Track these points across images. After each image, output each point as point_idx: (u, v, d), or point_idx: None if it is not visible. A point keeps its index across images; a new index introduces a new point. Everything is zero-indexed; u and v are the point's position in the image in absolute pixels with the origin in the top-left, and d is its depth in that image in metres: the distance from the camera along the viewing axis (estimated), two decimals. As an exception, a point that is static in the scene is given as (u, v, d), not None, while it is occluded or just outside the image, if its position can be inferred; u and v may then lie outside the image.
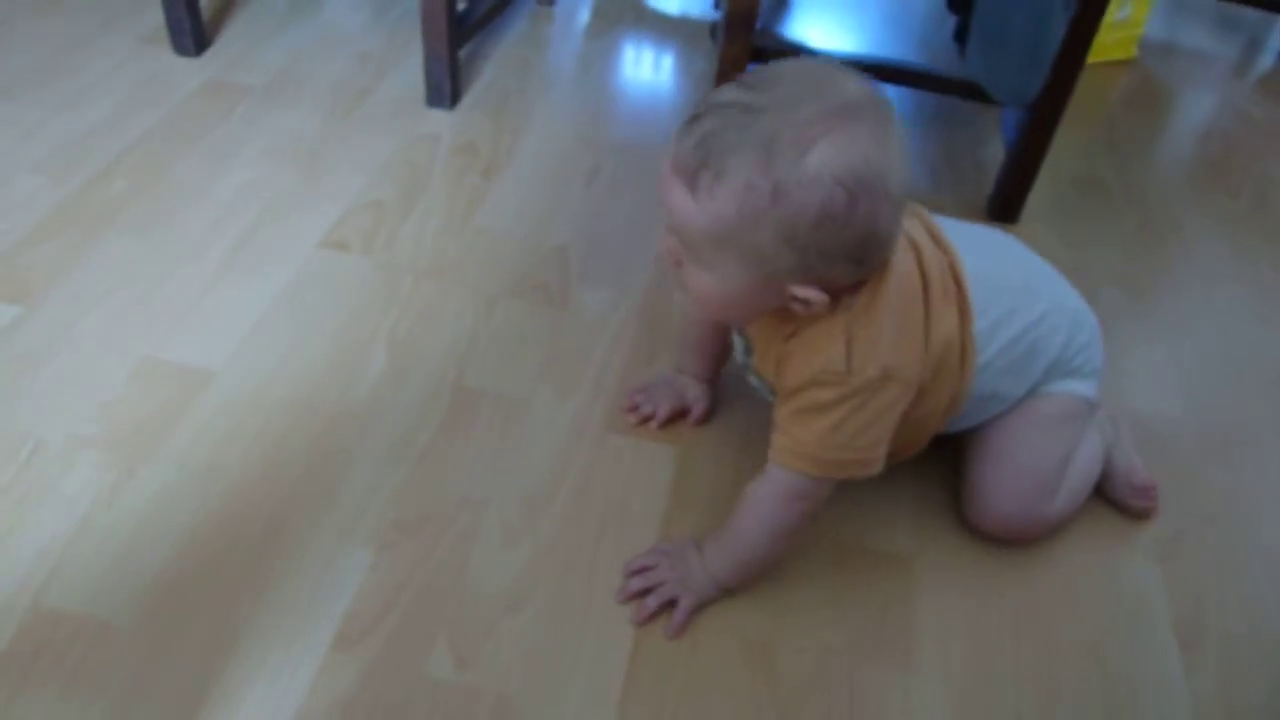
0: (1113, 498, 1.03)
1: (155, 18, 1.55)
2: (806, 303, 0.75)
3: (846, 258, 0.73)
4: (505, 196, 1.34)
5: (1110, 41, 1.88)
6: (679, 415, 1.06)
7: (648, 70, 1.72)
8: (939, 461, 1.04)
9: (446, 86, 1.47)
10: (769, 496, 0.85)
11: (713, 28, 1.78)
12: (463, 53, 1.54)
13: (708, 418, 1.05)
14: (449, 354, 1.09)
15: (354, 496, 0.94)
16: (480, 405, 1.04)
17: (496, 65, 1.63)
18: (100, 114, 1.40)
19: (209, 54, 1.56)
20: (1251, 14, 2.19)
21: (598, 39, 1.77)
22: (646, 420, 1.05)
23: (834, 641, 0.88)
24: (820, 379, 0.78)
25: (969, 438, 0.96)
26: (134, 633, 0.81)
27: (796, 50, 1.55)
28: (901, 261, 0.81)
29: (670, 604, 0.87)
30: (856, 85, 0.71)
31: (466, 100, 1.53)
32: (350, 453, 0.98)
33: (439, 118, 1.48)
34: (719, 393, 1.07)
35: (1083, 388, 0.95)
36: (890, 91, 1.64)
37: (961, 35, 1.77)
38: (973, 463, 0.96)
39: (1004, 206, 1.41)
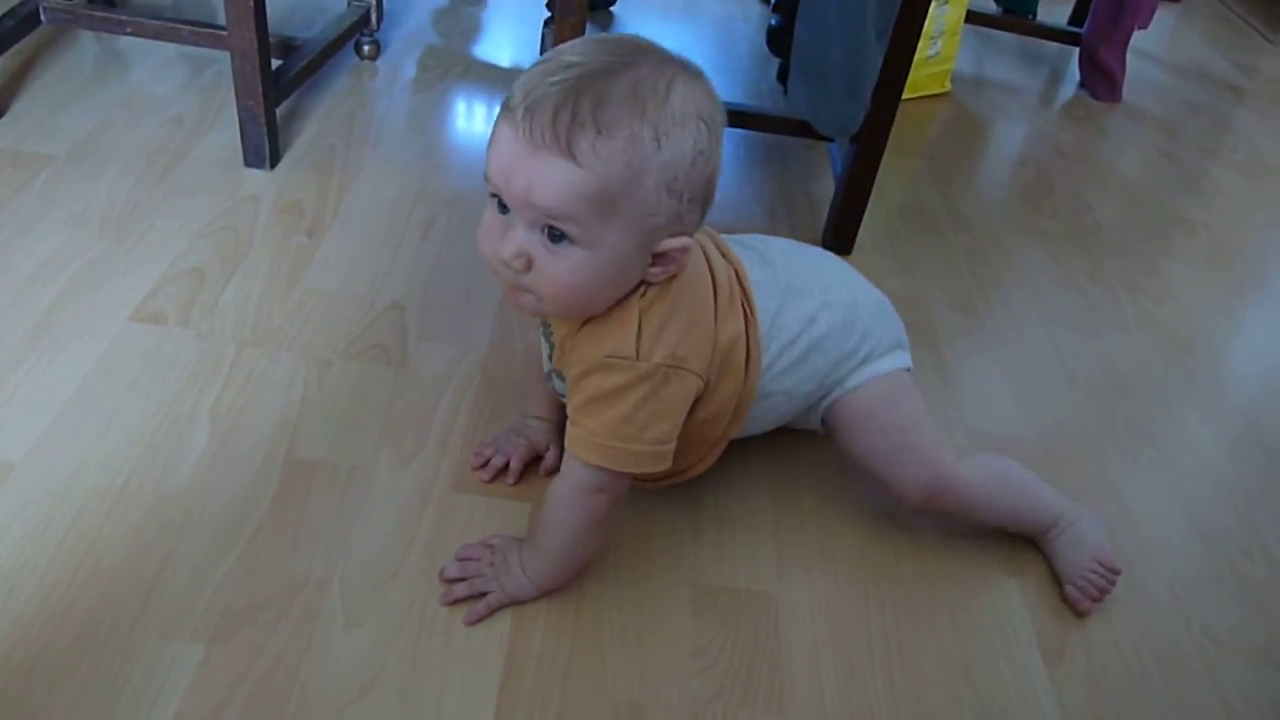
0: (1069, 572, 0.97)
1: (-62, 87, 1.44)
2: (670, 259, 0.77)
3: (702, 201, 0.77)
4: (334, 255, 1.28)
5: (924, 77, 1.96)
6: (533, 462, 1.02)
7: (479, 121, 1.69)
8: (797, 495, 1.03)
9: (265, 146, 1.41)
10: (566, 491, 0.85)
11: (542, 76, 1.77)
12: (280, 110, 1.48)
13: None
14: (279, 425, 1.02)
15: (179, 587, 0.86)
16: (315, 476, 0.98)
17: (318, 122, 1.57)
18: (-125, 192, 1.28)
19: (3, 123, 1.45)
20: (1051, 47, 2.33)
21: (425, 92, 1.73)
22: (499, 474, 1.00)
23: (704, 692, 0.85)
24: (608, 363, 0.79)
25: (846, 458, 1.00)
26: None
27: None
28: (693, 261, 0.83)
29: (481, 595, 0.88)
30: (660, 46, 0.75)
31: (288, 159, 1.47)
32: (173, 540, 0.90)
33: (259, 178, 1.41)
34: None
35: (883, 366, 0.97)
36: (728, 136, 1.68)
37: (784, 76, 1.81)
38: (864, 462, 0.98)
39: (838, 237, 1.43)
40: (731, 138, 1.69)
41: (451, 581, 0.89)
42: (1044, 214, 1.67)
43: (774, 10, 1.77)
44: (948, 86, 2.04)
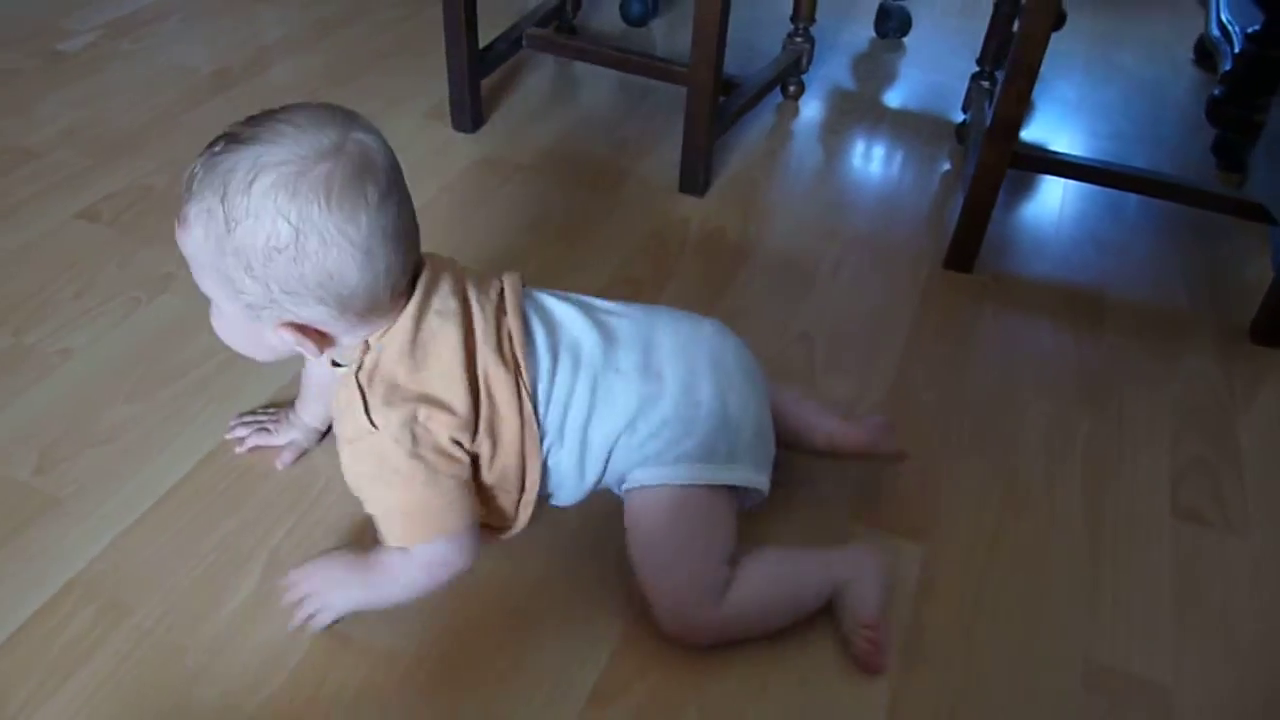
0: (841, 632, 0.91)
1: (437, 95, 1.70)
2: (300, 338, 0.78)
3: (315, 299, 0.75)
4: (752, 281, 1.39)
5: (1387, 163, 1.78)
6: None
7: (890, 167, 1.74)
8: (1201, 587, 0.99)
9: (700, 174, 1.54)
10: (408, 568, 0.83)
11: (959, 129, 1.79)
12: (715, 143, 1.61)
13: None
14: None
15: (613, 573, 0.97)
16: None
17: (744, 155, 1.69)
18: (388, 181, 1.53)
19: (483, 131, 1.69)
20: None
21: (841, 134, 1.81)
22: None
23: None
24: (354, 445, 0.79)
25: None
26: (415, 659, 0.88)
27: (1051, 159, 1.54)
28: (438, 311, 0.80)
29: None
30: (354, 135, 0.74)
31: (715, 188, 1.59)
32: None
33: (690, 203, 1.55)
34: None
35: (676, 473, 0.87)
36: (1138, 202, 1.61)
37: (1221, 149, 1.72)
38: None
39: (1270, 330, 1.35)
40: (1152, 208, 1.63)
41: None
42: None
43: (1221, 81, 1.69)
44: None
